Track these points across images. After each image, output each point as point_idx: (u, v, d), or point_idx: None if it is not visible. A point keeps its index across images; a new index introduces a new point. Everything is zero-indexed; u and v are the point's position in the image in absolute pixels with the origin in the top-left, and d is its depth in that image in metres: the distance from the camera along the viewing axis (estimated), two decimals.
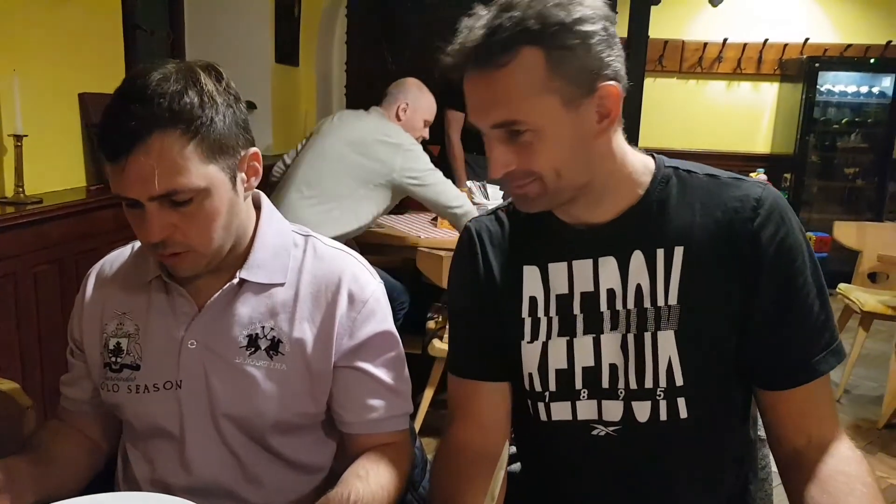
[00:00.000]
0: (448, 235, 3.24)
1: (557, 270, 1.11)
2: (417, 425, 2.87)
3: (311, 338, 1.14)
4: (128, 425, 1.21)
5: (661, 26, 5.41)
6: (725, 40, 5.84)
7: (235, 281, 1.13)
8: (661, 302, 1.06)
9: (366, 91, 5.05)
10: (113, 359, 1.17)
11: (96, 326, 1.20)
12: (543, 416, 1.13)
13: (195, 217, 1.04)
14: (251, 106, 4.24)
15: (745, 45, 5.90)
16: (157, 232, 1.03)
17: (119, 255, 1.25)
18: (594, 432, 1.11)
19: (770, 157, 6.08)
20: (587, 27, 0.96)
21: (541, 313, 1.12)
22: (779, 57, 5.98)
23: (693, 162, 1.15)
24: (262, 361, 1.12)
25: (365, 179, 2.92)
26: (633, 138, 1.11)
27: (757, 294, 1.04)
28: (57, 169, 2.73)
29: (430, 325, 3.08)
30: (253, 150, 1.12)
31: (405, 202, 3.52)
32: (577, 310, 1.10)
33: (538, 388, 1.12)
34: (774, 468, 1.26)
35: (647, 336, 1.06)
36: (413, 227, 3.43)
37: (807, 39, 5.84)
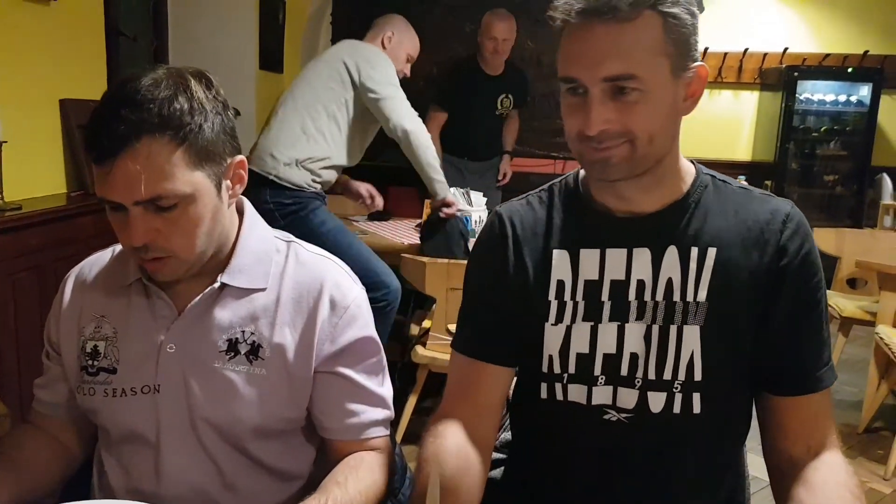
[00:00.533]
0: None
1: (589, 256, 1.14)
2: (400, 433, 2.86)
3: (291, 343, 1.14)
4: (103, 431, 1.19)
5: None
6: (706, 49, 5.88)
7: (216, 285, 1.13)
8: (690, 297, 1.10)
9: None
10: (90, 362, 1.16)
11: (73, 329, 1.19)
12: (559, 397, 1.16)
13: (178, 223, 1.04)
14: (235, 113, 4.22)
15: (725, 54, 5.94)
16: (140, 236, 1.03)
17: (99, 258, 1.25)
18: (605, 417, 1.14)
19: (750, 164, 6.13)
20: (691, 6, 1.03)
21: (567, 297, 1.15)
22: (759, 66, 6.03)
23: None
24: (242, 366, 1.12)
25: (330, 86, 2.93)
26: None
27: (778, 301, 1.09)
28: (37, 175, 2.71)
29: (414, 331, 3.08)
30: (239, 157, 1.12)
31: (387, 207, 3.52)
32: (605, 297, 1.13)
33: (557, 370, 1.15)
34: (753, 473, 1.29)
35: (673, 329, 1.10)
36: (397, 234, 3.43)
37: (786, 49, 5.90)
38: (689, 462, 1.14)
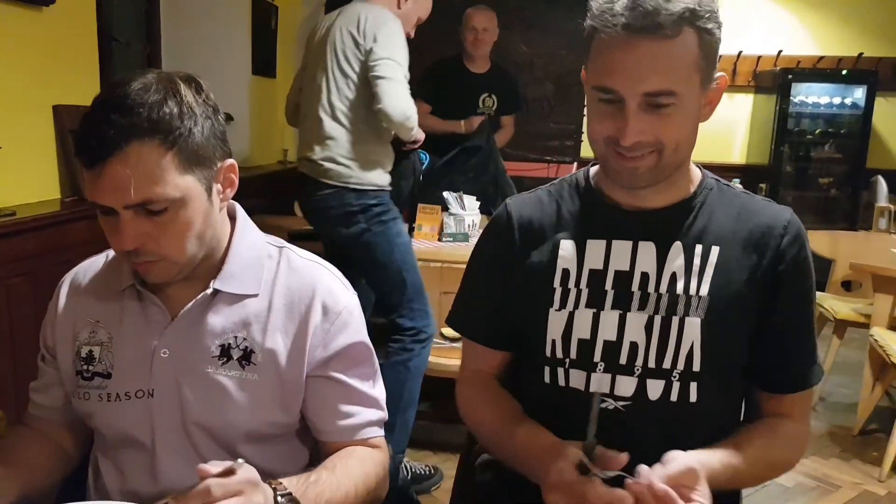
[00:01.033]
0: (422, 245, 3.24)
1: (595, 247, 1.20)
2: None
3: (283, 348, 1.14)
4: (98, 435, 1.20)
5: None
6: None
7: (209, 291, 1.14)
8: (692, 291, 1.15)
9: None
10: (85, 367, 1.16)
11: (69, 334, 1.19)
12: (561, 382, 1.20)
13: (169, 227, 1.04)
14: (228, 118, 4.23)
15: (719, 56, 5.98)
16: (130, 240, 1.03)
17: (93, 264, 1.25)
18: (603, 405, 1.16)
19: (745, 167, 6.15)
20: (719, 19, 1.08)
21: (571, 285, 1.20)
22: (753, 69, 6.05)
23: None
24: (234, 371, 1.12)
25: (354, 70, 2.64)
26: None
27: (772, 302, 1.16)
28: (31, 181, 2.70)
29: None
30: (230, 161, 1.12)
31: None
32: (608, 286, 1.18)
33: (559, 354, 1.19)
34: None
35: (675, 320, 1.15)
36: None
37: (780, 51, 5.92)
38: (684, 448, 1.14)
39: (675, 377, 1.15)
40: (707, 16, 1.05)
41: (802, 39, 6.02)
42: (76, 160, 1.07)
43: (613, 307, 1.17)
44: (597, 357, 1.17)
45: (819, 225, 5.46)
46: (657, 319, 1.15)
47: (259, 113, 4.76)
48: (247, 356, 1.13)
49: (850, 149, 5.86)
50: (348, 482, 1.10)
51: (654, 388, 1.15)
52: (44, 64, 2.72)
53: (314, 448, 1.23)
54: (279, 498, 0.97)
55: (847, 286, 4.16)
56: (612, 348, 1.17)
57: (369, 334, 1.23)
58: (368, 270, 2.73)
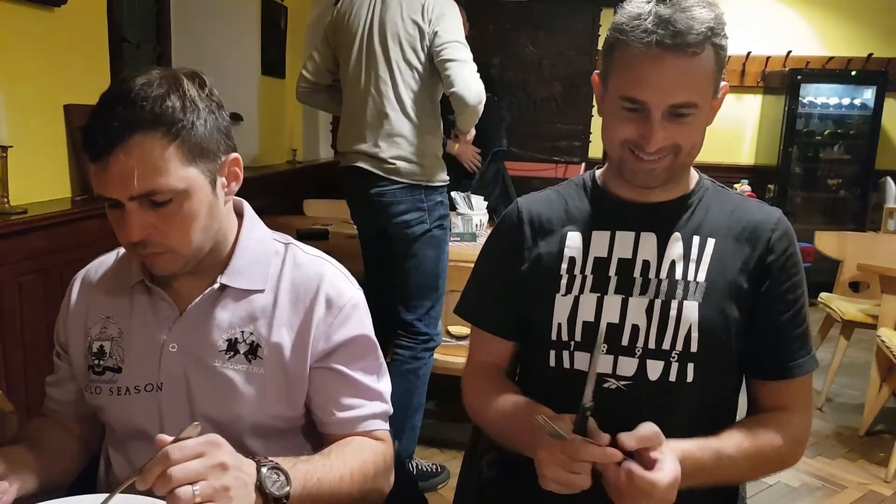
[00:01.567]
0: None
1: (600, 237, 1.28)
2: None
3: (288, 342, 1.16)
4: (109, 428, 1.23)
5: None
6: None
7: (216, 286, 1.15)
8: (690, 277, 1.23)
9: None
10: (96, 361, 1.19)
11: (80, 330, 1.22)
12: (566, 364, 1.26)
13: (174, 218, 1.06)
14: (237, 118, 4.25)
15: (728, 57, 5.97)
16: (136, 231, 1.05)
17: (104, 261, 1.28)
18: (605, 385, 1.23)
19: (754, 168, 6.15)
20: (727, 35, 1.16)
21: (577, 271, 1.28)
22: (762, 69, 6.05)
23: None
24: (241, 365, 1.14)
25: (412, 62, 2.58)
26: None
27: (763, 290, 1.23)
28: (42, 179, 2.73)
29: None
30: (234, 155, 1.14)
31: None
32: (612, 272, 1.26)
33: (565, 337, 1.25)
34: None
35: (674, 303, 1.22)
36: None
37: (789, 52, 5.91)
38: (683, 426, 1.19)
39: (673, 358, 1.21)
40: (722, 32, 1.14)
41: (811, 40, 6.01)
42: (83, 154, 1.09)
43: (616, 292, 1.24)
44: (600, 339, 1.20)
45: (827, 226, 5.44)
46: (657, 303, 1.22)
47: (268, 113, 4.78)
48: (253, 350, 1.15)
49: (860, 150, 5.85)
50: (342, 466, 1.11)
51: (654, 369, 1.21)
52: (55, 64, 2.74)
53: (319, 445, 1.24)
54: (263, 470, 0.98)
55: (855, 287, 4.16)
56: (614, 330, 1.23)
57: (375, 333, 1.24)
58: (409, 269, 2.70)
